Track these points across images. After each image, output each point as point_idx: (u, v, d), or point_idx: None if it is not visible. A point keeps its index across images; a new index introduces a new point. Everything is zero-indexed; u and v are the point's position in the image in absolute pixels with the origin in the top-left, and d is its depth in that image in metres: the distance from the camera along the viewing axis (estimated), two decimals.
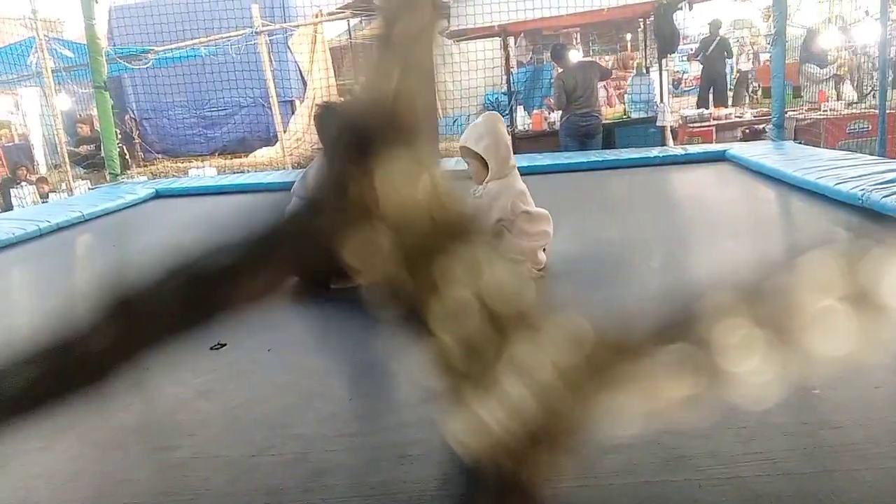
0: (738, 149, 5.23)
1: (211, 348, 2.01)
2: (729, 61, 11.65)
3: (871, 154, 6.49)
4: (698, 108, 9.74)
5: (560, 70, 7.47)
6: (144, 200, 5.75)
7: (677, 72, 17.20)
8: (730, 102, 10.82)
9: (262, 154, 11.34)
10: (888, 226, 2.88)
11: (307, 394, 1.68)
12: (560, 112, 7.34)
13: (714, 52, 10.84)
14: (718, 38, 10.93)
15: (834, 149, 6.71)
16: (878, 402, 1.41)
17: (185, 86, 11.54)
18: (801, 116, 8.24)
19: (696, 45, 11.51)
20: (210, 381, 1.88)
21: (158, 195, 5.97)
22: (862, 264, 0.99)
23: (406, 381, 1.69)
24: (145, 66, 9.48)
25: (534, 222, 2.63)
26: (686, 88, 17.06)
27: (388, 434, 1.45)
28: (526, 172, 5.56)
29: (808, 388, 1.44)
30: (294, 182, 2.68)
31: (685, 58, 16.37)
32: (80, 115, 10.26)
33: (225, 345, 2.03)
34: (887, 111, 7.06)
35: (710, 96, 10.60)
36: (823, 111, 8.51)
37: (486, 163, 2.59)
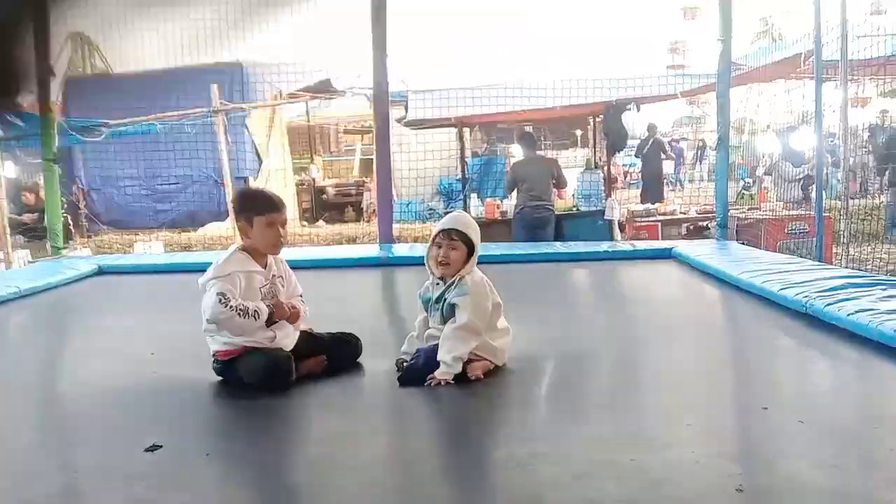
0: (683, 247, 5.38)
1: (145, 450, 1.90)
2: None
3: (810, 255, 6.76)
4: (642, 202, 10.07)
5: (514, 160, 7.68)
6: (86, 276, 5.57)
7: (623, 166, 17.90)
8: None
9: (211, 229, 11.21)
10: (830, 334, 2.95)
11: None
12: (512, 200, 7.50)
13: (650, 151, 11.42)
14: (653, 139, 11.55)
15: (774, 249, 6.96)
16: None
17: (137, 160, 11.45)
18: (741, 215, 8.55)
19: (637, 144, 12.13)
20: (144, 489, 1.77)
21: (101, 272, 5.80)
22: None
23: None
24: (98, 139, 9.39)
25: (502, 317, 2.62)
26: (632, 181, 17.73)
27: None
28: (480, 262, 5.63)
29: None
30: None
31: (630, 153, 17.04)
32: (26, 183, 10.04)
33: (160, 447, 1.92)
34: (824, 214, 7.40)
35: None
36: (763, 212, 8.85)
37: (468, 252, 2.54)
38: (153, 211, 12.40)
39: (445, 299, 2.53)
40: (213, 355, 2.53)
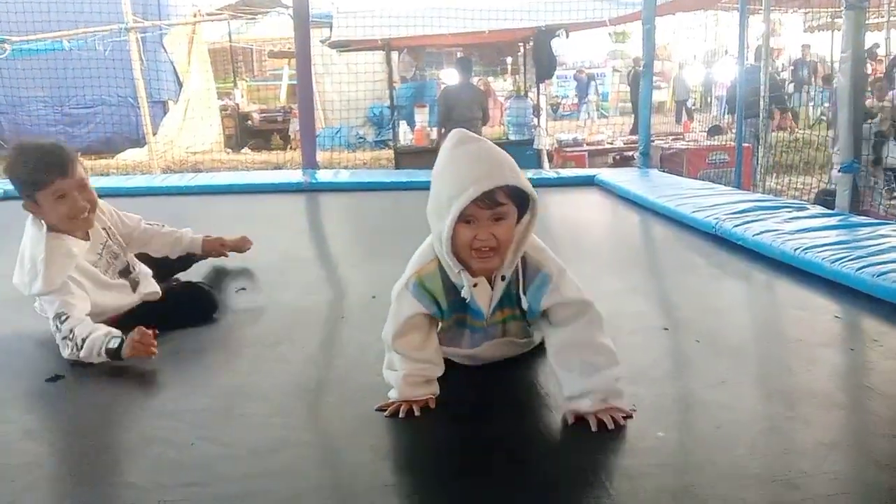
0: (606, 174, 5.44)
1: (47, 380, 1.82)
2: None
3: (729, 183, 6.96)
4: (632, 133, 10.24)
5: (445, 86, 7.56)
6: None
7: (556, 96, 17.89)
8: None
9: (129, 156, 10.74)
10: (737, 254, 3.05)
11: (149, 437, 1.53)
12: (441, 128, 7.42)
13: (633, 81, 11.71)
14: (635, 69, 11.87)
15: (695, 177, 7.13)
16: (719, 442, 1.44)
17: (46, 80, 10.78)
18: (665, 146, 8.71)
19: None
20: (41, 417, 1.70)
21: (7, 196, 5.50)
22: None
23: (257, 426, 1.57)
24: (1, 57, 8.78)
25: None
26: (564, 113, 17.76)
27: (231, 486, 1.34)
28: (405, 188, 5.56)
29: (653, 432, 1.47)
30: None
31: (564, 83, 17.03)
32: None
33: (62, 377, 1.84)
34: (743, 144, 7.60)
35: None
36: (686, 142, 9.04)
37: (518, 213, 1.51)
38: (66, 136, 11.77)
39: (512, 311, 1.65)
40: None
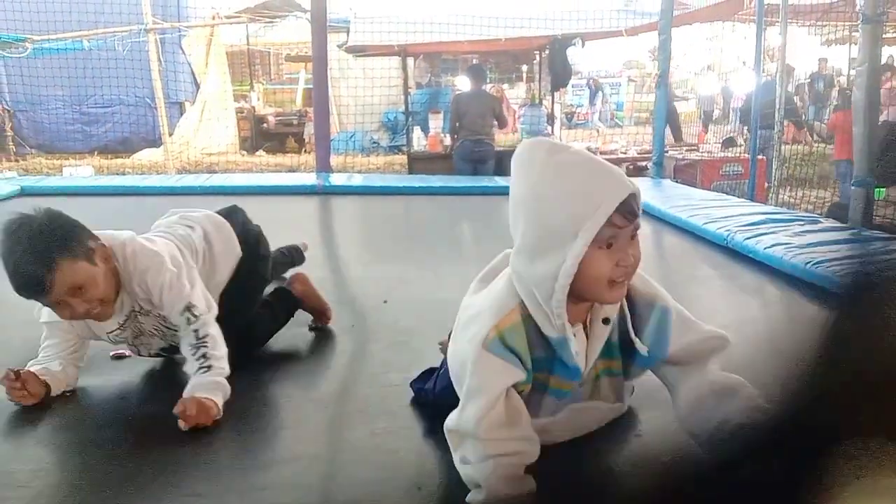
0: None
1: None
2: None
3: (742, 196, 6.93)
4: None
5: (457, 92, 7.57)
6: (7, 198, 5.34)
7: (571, 105, 17.88)
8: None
9: (145, 156, 10.83)
10: (747, 266, 3.05)
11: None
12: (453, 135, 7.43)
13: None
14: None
15: (708, 189, 7.11)
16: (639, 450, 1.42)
17: (65, 79, 10.89)
18: (679, 156, 8.68)
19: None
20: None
21: (24, 193, 5.57)
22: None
23: None
24: (22, 56, 8.89)
25: None
26: (578, 122, 17.74)
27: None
28: (418, 193, 5.58)
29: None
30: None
31: (579, 92, 17.00)
32: None
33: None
34: (758, 157, 7.57)
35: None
36: (700, 153, 9.01)
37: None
38: (83, 135, 11.87)
39: (609, 364, 1.35)
40: None
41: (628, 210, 1.12)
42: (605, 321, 1.25)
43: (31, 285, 1.58)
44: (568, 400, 1.35)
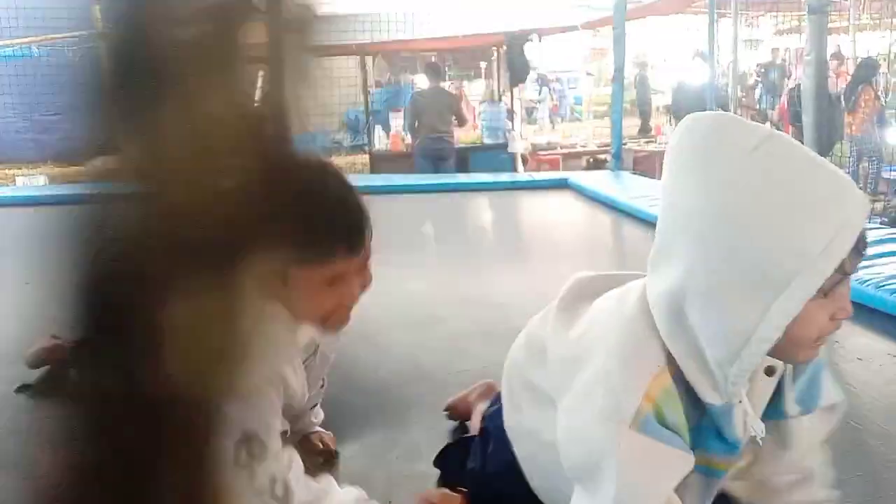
0: (578, 177, 5.50)
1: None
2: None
3: None
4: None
5: (415, 91, 7.58)
6: None
7: (531, 100, 17.98)
8: None
9: (102, 163, 10.62)
10: None
11: None
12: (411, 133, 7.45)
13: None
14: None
15: None
16: None
17: (14, 87, 10.64)
18: (638, 148, 8.81)
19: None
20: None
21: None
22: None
23: None
24: None
25: None
26: (539, 116, 17.85)
27: None
28: (381, 191, 5.57)
29: None
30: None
31: (537, 88, 17.08)
32: None
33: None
34: None
35: None
36: (658, 144, 9.15)
37: None
38: (36, 143, 11.61)
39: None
40: None
41: (862, 244, 0.79)
42: (769, 371, 0.94)
43: (359, 230, 1.19)
44: (719, 481, 1.01)
